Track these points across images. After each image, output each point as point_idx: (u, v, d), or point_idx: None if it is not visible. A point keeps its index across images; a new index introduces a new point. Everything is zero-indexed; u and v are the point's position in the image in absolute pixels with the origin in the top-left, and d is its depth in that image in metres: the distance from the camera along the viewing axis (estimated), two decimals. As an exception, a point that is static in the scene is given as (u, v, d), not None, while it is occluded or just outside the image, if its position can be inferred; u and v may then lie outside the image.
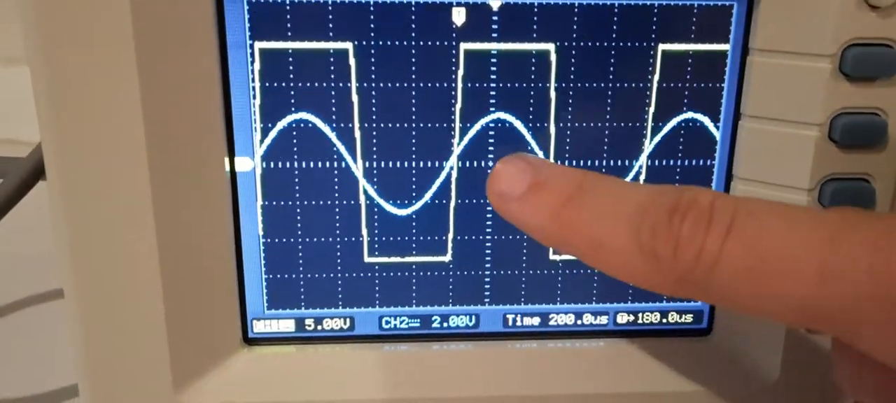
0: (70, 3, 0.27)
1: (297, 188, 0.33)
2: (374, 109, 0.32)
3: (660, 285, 0.23)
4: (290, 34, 0.31)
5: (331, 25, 0.31)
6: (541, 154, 0.33)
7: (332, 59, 0.31)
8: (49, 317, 0.45)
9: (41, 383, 0.40)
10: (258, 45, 0.31)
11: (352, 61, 0.31)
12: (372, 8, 0.30)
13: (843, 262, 0.21)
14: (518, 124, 0.32)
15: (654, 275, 0.23)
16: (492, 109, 0.32)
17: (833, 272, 0.21)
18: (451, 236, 0.34)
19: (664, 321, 0.36)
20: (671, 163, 0.34)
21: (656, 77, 0.32)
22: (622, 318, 0.36)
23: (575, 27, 0.31)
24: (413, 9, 0.31)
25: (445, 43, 0.31)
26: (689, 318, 0.36)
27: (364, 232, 0.34)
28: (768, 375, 0.34)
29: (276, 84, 0.31)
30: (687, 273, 0.22)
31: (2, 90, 0.67)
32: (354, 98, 0.32)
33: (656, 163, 0.33)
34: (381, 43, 0.31)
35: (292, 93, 0.31)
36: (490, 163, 0.33)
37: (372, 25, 0.31)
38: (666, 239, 0.23)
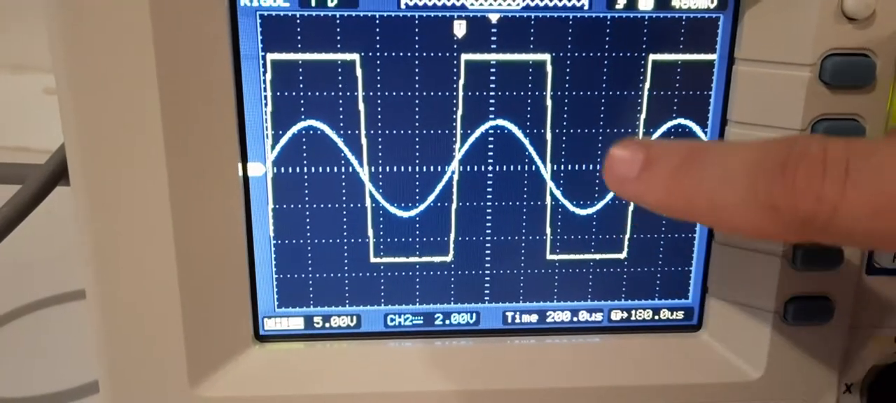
0: (94, 19, 0.29)
1: (306, 192, 0.34)
2: (379, 117, 0.33)
3: (782, 234, 0.24)
4: (300, 46, 0.32)
5: (339, 38, 0.32)
6: (538, 159, 0.34)
7: (339, 70, 0.33)
8: (67, 317, 0.46)
9: (62, 380, 0.41)
10: (270, 56, 0.32)
11: (358, 71, 0.33)
12: (377, 21, 0.32)
13: None
14: (516, 130, 0.34)
15: (775, 227, 0.24)
16: (491, 116, 0.34)
17: None
18: (452, 237, 0.35)
19: (656, 318, 0.37)
20: (662, 166, 0.35)
21: (647, 85, 0.34)
22: (616, 315, 0.37)
23: (570, 38, 0.33)
24: (416, 22, 0.32)
25: (447, 54, 0.33)
26: (679, 315, 0.37)
27: (370, 233, 0.35)
28: (754, 370, 0.35)
29: (286, 93, 0.33)
30: (809, 220, 0.23)
31: (11, 98, 0.68)
32: (361, 106, 0.33)
33: (648, 167, 0.35)
34: (386, 54, 0.32)
35: (302, 101, 0.33)
36: (490, 168, 0.34)
37: (377, 38, 0.32)
38: (783, 191, 0.23)
